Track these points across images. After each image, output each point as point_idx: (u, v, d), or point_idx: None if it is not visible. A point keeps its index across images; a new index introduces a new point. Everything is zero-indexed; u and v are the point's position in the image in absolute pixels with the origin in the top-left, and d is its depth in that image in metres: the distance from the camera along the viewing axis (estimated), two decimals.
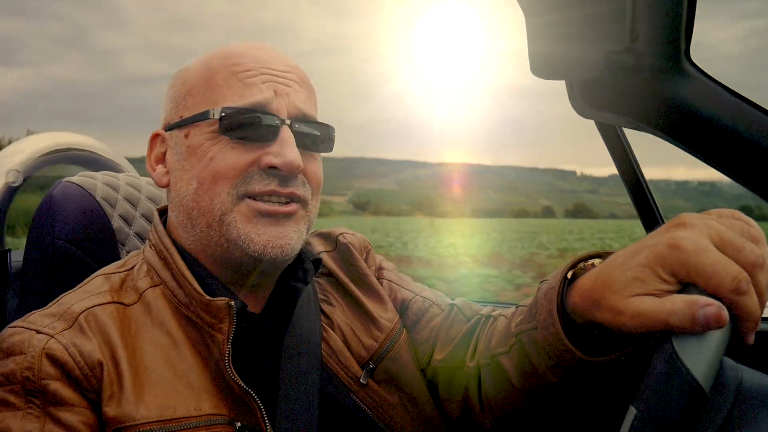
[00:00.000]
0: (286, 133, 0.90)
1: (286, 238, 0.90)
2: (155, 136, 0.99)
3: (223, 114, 0.89)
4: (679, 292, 0.62)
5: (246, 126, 0.89)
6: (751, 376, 0.68)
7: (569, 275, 0.79)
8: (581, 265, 0.80)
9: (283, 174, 0.90)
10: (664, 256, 0.63)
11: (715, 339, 0.57)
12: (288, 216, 0.91)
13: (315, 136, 0.95)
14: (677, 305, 0.59)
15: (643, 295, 0.64)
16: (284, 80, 0.94)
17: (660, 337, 0.59)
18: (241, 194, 0.89)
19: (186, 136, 0.93)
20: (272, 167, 0.89)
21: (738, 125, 0.94)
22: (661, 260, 0.63)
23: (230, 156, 0.89)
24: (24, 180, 1.47)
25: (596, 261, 0.78)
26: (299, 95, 0.94)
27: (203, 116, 0.91)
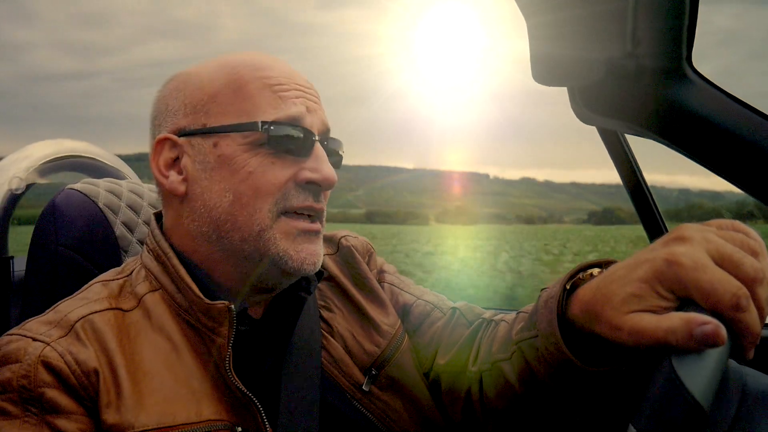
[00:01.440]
0: (320, 149, 0.92)
1: (318, 255, 0.92)
2: (163, 140, 0.95)
3: (270, 127, 0.88)
4: (678, 307, 0.61)
5: (287, 140, 0.89)
6: (754, 378, 0.68)
7: (568, 286, 0.79)
8: (581, 275, 0.79)
9: (320, 189, 0.92)
10: (662, 272, 0.62)
11: (714, 356, 0.56)
12: (318, 233, 0.94)
13: (334, 153, 0.98)
14: (674, 323, 0.58)
15: (641, 311, 0.63)
16: (312, 97, 0.95)
17: (659, 354, 0.59)
18: (280, 210, 0.89)
19: (215, 145, 0.91)
20: (309, 182, 0.91)
21: (739, 131, 0.94)
22: (659, 276, 0.62)
23: (270, 171, 0.89)
24: (27, 187, 1.47)
25: (595, 271, 0.78)
26: (323, 113, 0.97)
27: (243, 127, 0.89)
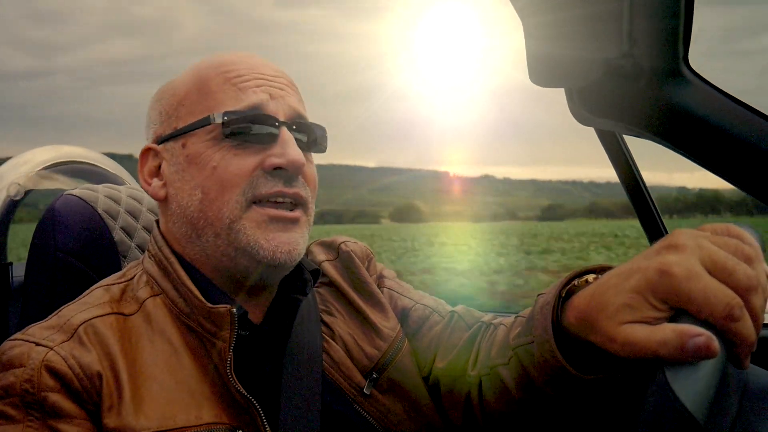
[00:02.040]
0: (286, 134, 0.92)
1: (293, 244, 0.91)
2: (146, 151, 0.98)
3: (225, 118, 0.89)
4: (672, 317, 0.61)
5: (247, 129, 0.90)
6: (755, 374, 0.68)
7: (563, 293, 0.79)
8: (576, 281, 0.79)
9: (288, 173, 0.91)
10: (655, 282, 0.61)
11: (709, 368, 0.55)
12: (294, 222, 0.92)
13: (310, 138, 0.97)
14: (667, 335, 0.57)
15: (634, 322, 0.62)
16: (277, 83, 0.95)
17: (654, 365, 0.58)
18: (249, 200, 0.89)
19: (183, 146, 0.93)
20: (277, 168, 0.90)
21: (737, 130, 0.94)
22: (651, 287, 0.62)
23: (234, 162, 0.90)
24: (26, 193, 1.47)
25: (590, 277, 0.77)
26: (292, 98, 0.96)
27: (202, 123, 0.91)
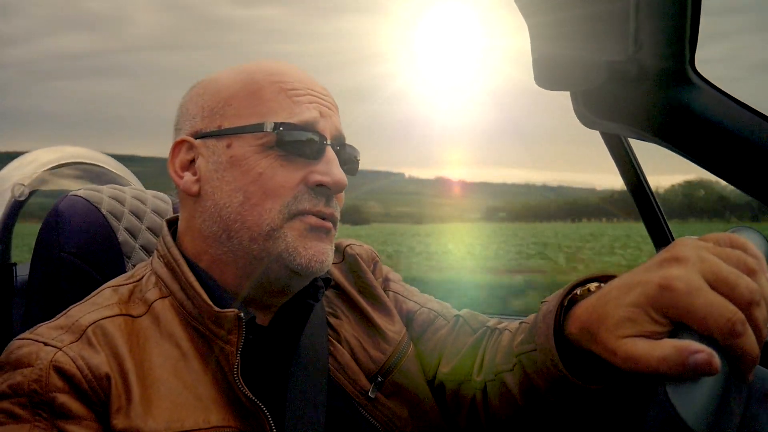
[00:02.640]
0: (331, 153, 0.93)
1: (326, 254, 0.92)
2: (180, 143, 0.97)
3: (281, 128, 0.90)
4: (673, 331, 0.60)
5: (299, 143, 0.91)
6: (761, 373, 0.67)
7: (565, 302, 0.78)
8: (578, 290, 0.78)
9: (330, 192, 0.93)
10: (656, 297, 0.61)
11: (710, 383, 0.55)
12: (327, 232, 0.94)
13: (347, 159, 0.99)
14: (667, 352, 0.57)
15: (635, 336, 0.62)
16: (326, 103, 0.97)
17: (655, 380, 0.57)
18: (292, 213, 0.90)
19: (228, 146, 0.92)
20: (320, 185, 0.91)
21: (743, 134, 0.94)
22: (652, 301, 0.61)
23: (281, 172, 0.90)
24: (30, 194, 1.48)
25: (593, 286, 0.77)
26: (337, 119, 0.98)
27: (254, 128, 0.91)
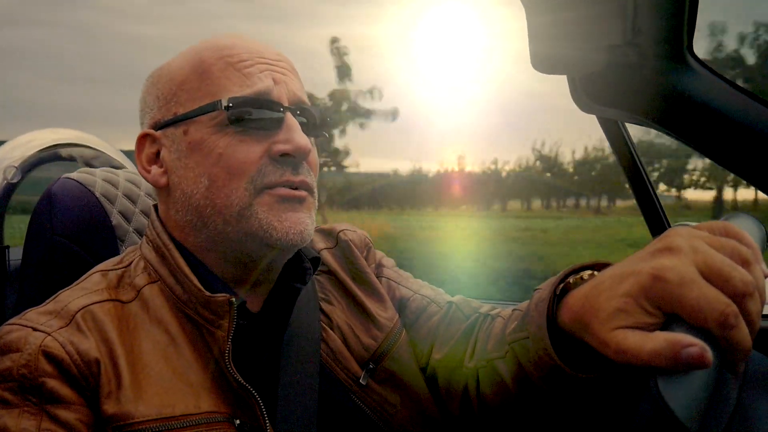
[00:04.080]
0: (291, 120, 0.90)
1: (304, 224, 0.90)
2: (143, 137, 0.96)
3: (231, 104, 0.87)
4: (666, 323, 0.59)
5: (253, 115, 0.88)
6: (756, 361, 0.67)
7: (558, 291, 0.78)
8: (571, 278, 0.78)
9: (295, 160, 0.90)
10: (648, 288, 0.60)
11: (702, 376, 0.54)
12: (301, 201, 0.91)
13: (312, 122, 0.96)
14: (659, 345, 0.56)
15: (627, 328, 0.61)
16: (280, 68, 0.93)
17: (646, 370, 0.57)
18: (259, 188, 0.88)
19: (185, 132, 0.91)
20: (284, 154, 0.89)
21: (741, 119, 0.93)
22: (644, 292, 0.60)
23: (241, 149, 0.88)
24: (22, 177, 1.47)
25: (586, 274, 0.76)
26: (295, 83, 0.95)
27: (206, 109, 0.89)
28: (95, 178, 1.24)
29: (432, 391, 1.06)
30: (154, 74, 0.98)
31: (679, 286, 0.58)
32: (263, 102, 0.89)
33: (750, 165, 0.94)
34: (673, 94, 0.99)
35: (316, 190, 0.96)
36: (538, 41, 1.10)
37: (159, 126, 0.94)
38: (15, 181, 1.44)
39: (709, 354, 0.54)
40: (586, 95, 1.11)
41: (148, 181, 0.97)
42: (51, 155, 1.52)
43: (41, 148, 1.49)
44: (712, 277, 0.58)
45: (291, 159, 0.89)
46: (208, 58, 0.92)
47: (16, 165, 1.44)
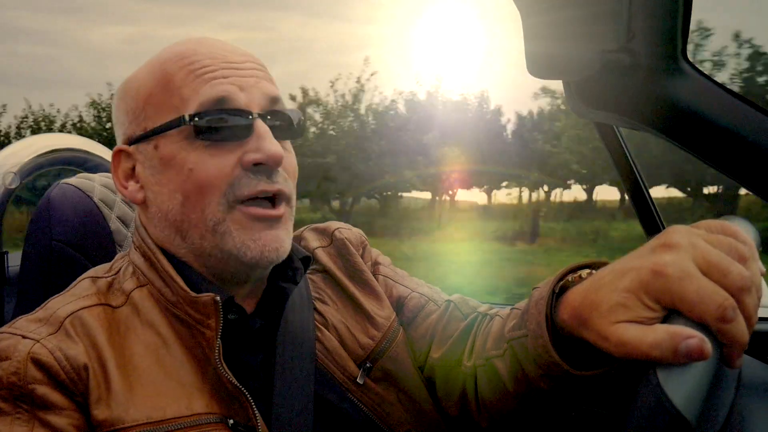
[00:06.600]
0: (261, 127, 0.88)
1: (280, 242, 0.89)
2: (118, 153, 0.95)
3: (196, 118, 0.85)
4: (666, 317, 0.61)
5: (219, 126, 0.86)
6: (750, 365, 0.68)
7: (557, 289, 0.79)
8: (570, 276, 0.79)
9: (269, 169, 0.88)
10: (648, 282, 0.61)
11: (701, 369, 0.56)
12: (278, 219, 0.90)
13: (286, 125, 0.93)
14: (659, 337, 0.58)
15: (627, 322, 0.62)
16: (246, 71, 0.91)
17: (646, 365, 0.58)
18: (231, 201, 0.87)
19: (156, 147, 0.89)
20: (256, 164, 0.87)
21: (736, 124, 0.94)
22: (644, 287, 0.62)
23: (211, 163, 0.86)
24: (21, 182, 1.47)
25: (584, 272, 0.77)
26: (265, 85, 0.92)
27: (173, 124, 0.87)
28: (94, 183, 1.24)
29: (430, 389, 1.06)
30: (121, 88, 0.97)
31: (678, 281, 0.59)
32: (229, 110, 0.86)
33: (744, 169, 0.95)
34: (668, 99, 1.00)
35: (294, 197, 0.95)
36: (533, 46, 1.10)
37: (131, 141, 0.93)
38: (13, 186, 1.45)
39: (709, 346, 0.55)
40: (581, 100, 1.12)
41: (125, 198, 0.96)
42: (49, 160, 1.52)
43: (39, 153, 1.49)
44: (711, 271, 0.59)
45: (264, 168, 0.88)
46: (170, 69, 0.90)
47: (15, 171, 1.44)
